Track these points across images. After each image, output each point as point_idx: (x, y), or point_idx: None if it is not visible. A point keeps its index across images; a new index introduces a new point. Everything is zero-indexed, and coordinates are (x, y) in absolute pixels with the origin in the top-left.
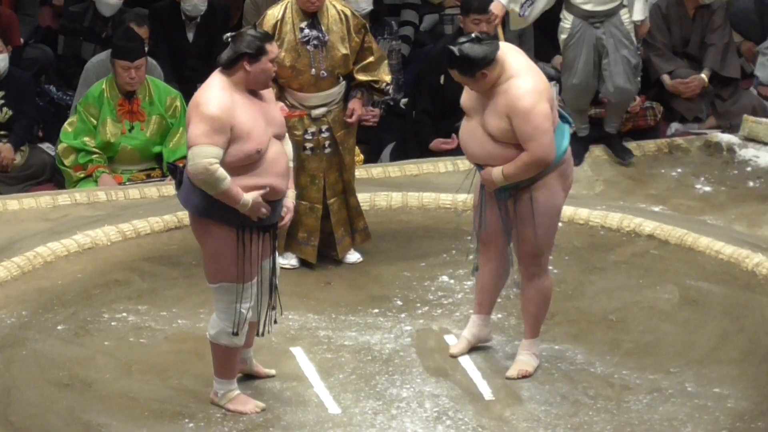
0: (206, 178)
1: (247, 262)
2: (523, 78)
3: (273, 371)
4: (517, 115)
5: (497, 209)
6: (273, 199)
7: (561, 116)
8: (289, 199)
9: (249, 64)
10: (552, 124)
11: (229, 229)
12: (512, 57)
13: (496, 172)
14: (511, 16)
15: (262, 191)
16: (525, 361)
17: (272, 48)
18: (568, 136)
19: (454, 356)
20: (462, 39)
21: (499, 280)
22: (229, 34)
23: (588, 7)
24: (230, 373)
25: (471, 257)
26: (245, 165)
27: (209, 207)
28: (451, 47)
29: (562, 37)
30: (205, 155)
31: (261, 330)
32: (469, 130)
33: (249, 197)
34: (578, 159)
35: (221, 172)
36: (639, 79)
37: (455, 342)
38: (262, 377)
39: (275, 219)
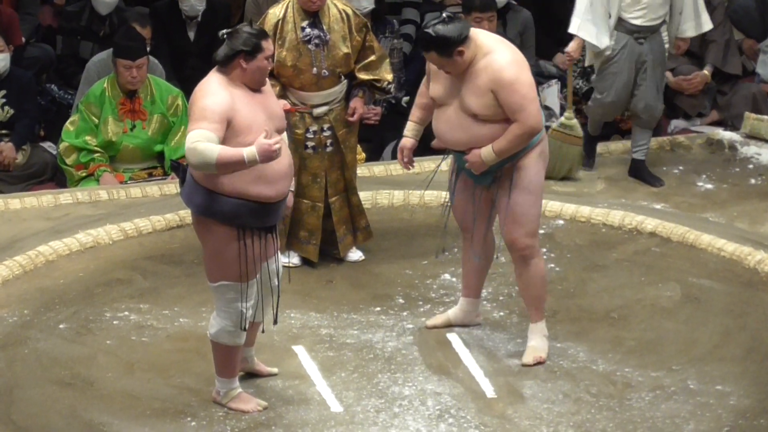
0: (194, 156)
1: (248, 262)
2: (500, 52)
3: (275, 370)
4: (503, 86)
5: (470, 196)
6: (276, 200)
7: None
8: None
9: (245, 61)
10: (536, 94)
11: (230, 228)
12: (483, 35)
13: (486, 151)
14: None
15: (260, 139)
16: (538, 346)
17: (268, 45)
18: (543, 116)
19: (428, 327)
20: (431, 20)
21: (482, 265)
22: (224, 31)
23: (638, 21)
24: (231, 372)
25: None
26: (254, 167)
27: (211, 206)
28: (426, 30)
29: (606, 53)
30: (191, 138)
31: (263, 328)
32: (445, 118)
33: (249, 149)
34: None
35: (205, 144)
36: None
37: (454, 340)
38: (264, 376)
39: (277, 220)
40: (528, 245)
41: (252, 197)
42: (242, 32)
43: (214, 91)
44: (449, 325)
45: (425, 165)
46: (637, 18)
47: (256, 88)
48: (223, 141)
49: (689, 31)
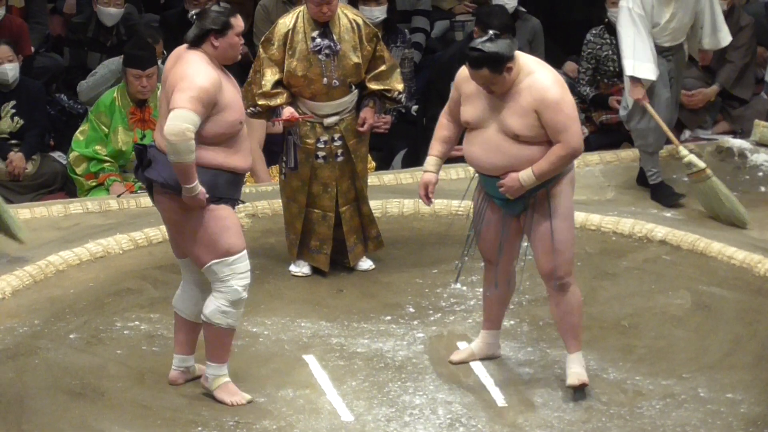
0: (180, 141)
1: (230, 234)
2: (542, 72)
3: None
4: (548, 106)
5: (500, 226)
6: (246, 171)
7: None
8: None
9: (216, 39)
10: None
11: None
12: (524, 55)
13: (525, 174)
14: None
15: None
16: (580, 372)
17: (237, 22)
18: None
19: (452, 363)
20: (479, 39)
21: (505, 297)
22: (193, 12)
23: (667, 44)
24: (222, 356)
25: (457, 263)
26: (225, 138)
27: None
28: (477, 47)
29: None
30: (186, 119)
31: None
32: (482, 141)
33: (200, 186)
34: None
35: (194, 143)
36: None
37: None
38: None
39: (240, 194)
40: (566, 273)
41: (230, 168)
42: (210, 12)
43: (205, 70)
44: (473, 359)
45: None
46: (665, 42)
47: (228, 64)
48: (206, 120)
49: (707, 45)
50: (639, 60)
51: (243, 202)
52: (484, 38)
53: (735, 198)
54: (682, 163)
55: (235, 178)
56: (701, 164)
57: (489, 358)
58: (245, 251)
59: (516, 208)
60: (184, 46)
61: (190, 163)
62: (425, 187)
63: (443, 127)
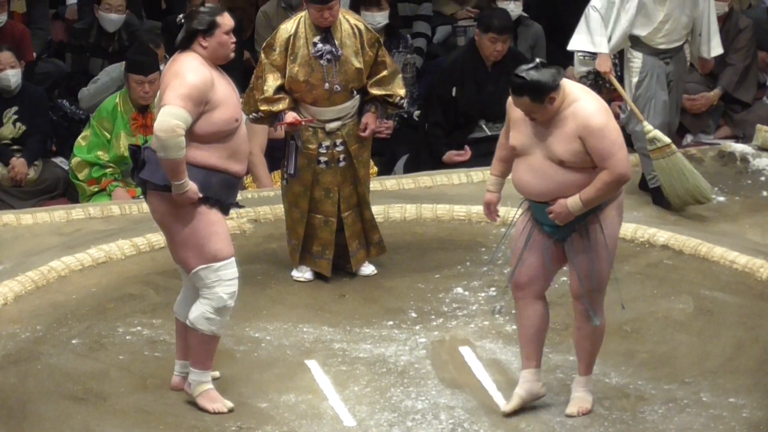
0: (169, 138)
1: (218, 240)
2: (586, 99)
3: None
4: (592, 133)
5: (543, 252)
6: (241, 176)
7: None
8: None
9: (204, 39)
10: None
11: (198, 203)
12: (568, 82)
13: (572, 201)
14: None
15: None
16: (583, 397)
17: (224, 20)
18: None
19: (507, 414)
20: (525, 66)
21: (542, 327)
22: (181, 16)
23: (663, 46)
24: (205, 363)
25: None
26: (220, 137)
27: None
28: (521, 74)
29: (634, 80)
30: (176, 116)
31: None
32: (527, 167)
33: (191, 183)
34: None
35: (183, 140)
36: None
37: (467, 353)
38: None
39: (235, 199)
40: (597, 301)
41: (224, 169)
42: (197, 13)
43: (197, 68)
44: (524, 403)
45: (437, 179)
46: (661, 43)
47: (221, 63)
48: (198, 115)
49: (704, 53)
50: (579, 34)
51: (240, 207)
52: (530, 66)
53: (699, 174)
54: (645, 138)
55: (229, 180)
56: (666, 139)
57: (535, 398)
58: (233, 258)
59: (565, 232)
60: (183, 53)
61: (179, 159)
62: (488, 207)
63: (502, 147)
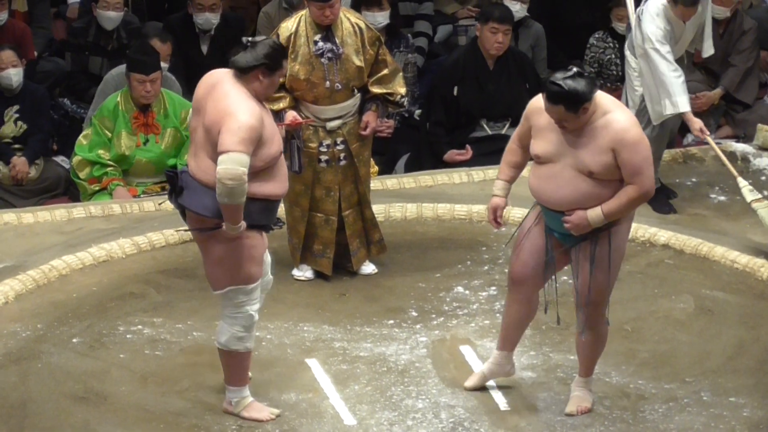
0: (237, 185)
1: (254, 263)
2: (619, 112)
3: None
4: (626, 147)
5: (542, 256)
6: (281, 197)
7: None
8: None
9: (263, 75)
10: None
11: None
12: (600, 93)
13: (594, 213)
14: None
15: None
16: (582, 396)
17: (286, 65)
18: None
19: (468, 389)
20: (561, 74)
21: (525, 320)
22: (248, 39)
23: (675, 57)
24: (242, 380)
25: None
26: (267, 168)
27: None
28: (558, 82)
29: (639, 92)
30: (242, 163)
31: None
32: (552, 175)
33: (244, 223)
34: (666, 207)
35: (247, 185)
36: None
37: (468, 353)
38: None
39: (274, 220)
40: (601, 311)
41: (264, 196)
42: (268, 45)
43: (252, 107)
44: (485, 381)
45: (438, 178)
46: (676, 54)
47: (260, 101)
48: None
49: (699, 49)
50: (678, 95)
51: (281, 225)
52: (567, 74)
53: None
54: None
55: (270, 205)
56: (758, 194)
57: (503, 377)
58: (260, 280)
59: (576, 240)
60: (221, 70)
61: (241, 204)
62: (494, 212)
63: (512, 153)
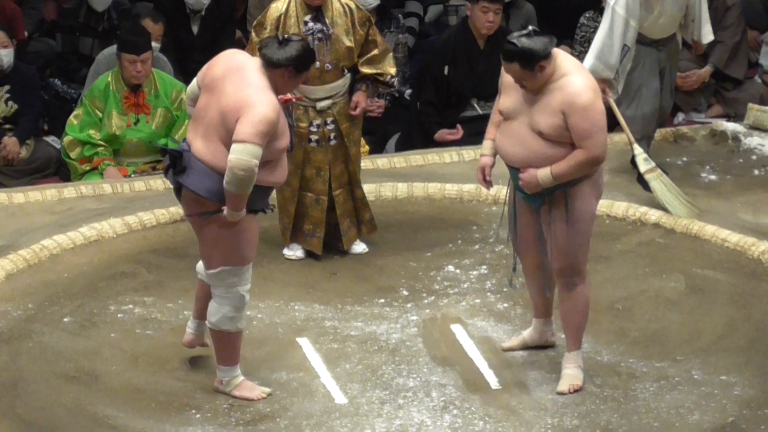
0: (247, 177)
1: (249, 246)
2: (577, 75)
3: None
4: (576, 111)
5: (531, 219)
6: (280, 185)
7: None
8: None
9: (289, 73)
10: (606, 123)
11: None
12: (563, 55)
13: (543, 173)
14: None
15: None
16: (573, 374)
17: (312, 68)
18: None
19: (504, 350)
20: (518, 33)
21: (545, 289)
22: (283, 36)
23: (658, 36)
24: (234, 359)
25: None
26: (275, 159)
27: (222, 191)
28: (512, 40)
29: (627, 66)
30: (256, 155)
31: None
32: (510, 132)
33: (245, 210)
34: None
35: (256, 176)
36: None
37: (459, 331)
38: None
39: (267, 203)
40: (573, 274)
41: (267, 183)
42: (301, 46)
43: (272, 100)
44: (525, 347)
45: (429, 158)
46: (656, 34)
47: (278, 94)
48: None
49: (696, 37)
50: (599, 60)
51: (271, 209)
52: (522, 32)
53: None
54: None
55: (268, 190)
56: (652, 162)
57: (541, 346)
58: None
59: (536, 201)
60: (244, 54)
61: (247, 194)
62: (482, 171)
63: (496, 112)
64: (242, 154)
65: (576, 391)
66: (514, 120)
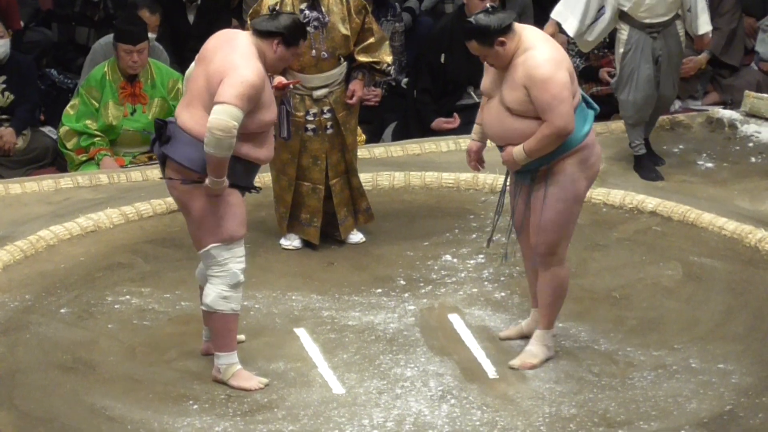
0: (225, 137)
1: (235, 220)
2: (539, 48)
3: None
4: (535, 84)
5: (526, 198)
6: (265, 163)
7: (586, 102)
8: None
9: (278, 45)
10: (570, 94)
11: None
12: (529, 30)
13: (518, 149)
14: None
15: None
16: (531, 352)
17: (303, 46)
18: (591, 121)
19: (502, 339)
20: (479, 12)
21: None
22: (274, 9)
23: (647, 20)
24: (231, 344)
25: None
26: (260, 134)
27: (204, 161)
28: (470, 19)
29: (620, 50)
30: (235, 117)
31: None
32: (488, 110)
33: (227, 185)
34: (653, 174)
35: (235, 140)
36: None
37: (456, 321)
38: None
39: (253, 182)
40: (549, 253)
41: (252, 158)
42: (291, 18)
43: (257, 67)
44: (523, 337)
45: (426, 146)
46: (644, 17)
47: (268, 72)
48: (245, 114)
49: (694, 29)
50: (568, 9)
51: (258, 190)
52: (482, 11)
53: None
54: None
55: (253, 167)
56: None
57: None
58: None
59: (525, 178)
60: (238, 30)
61: (226, 158)
62: (468, 155)
63: (485, 96)
64: (221, 114)
65: (527, 368)
66: (492, 98)
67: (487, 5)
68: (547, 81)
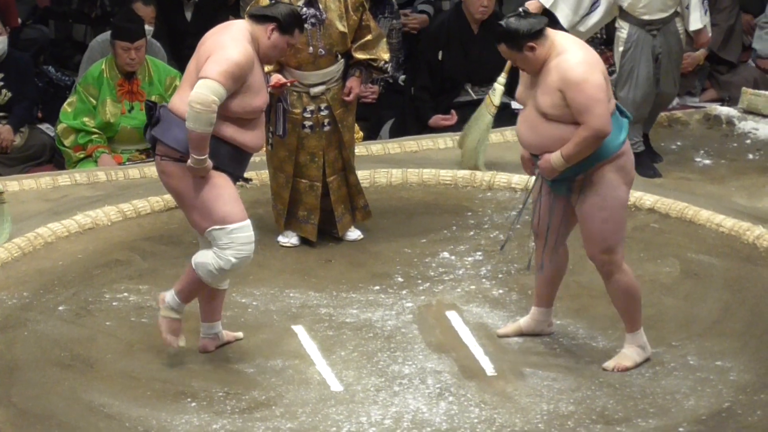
0: (204, 111)
1: (224, 202)
2: (572, 52)
3: (240, 334)
4: (570, 86)
5: (552, 204)
6: (253, 152)
7: (619, 110)
8: None
9: (272, 31)
10: (606, 97)
11: None
12: (560, 35)
13: (555, 156)
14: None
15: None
16: (625, 354)
17: (298, 35)
18: (627, 129)
19: (500, 336)
20: (509, 15)
21: (553, 276)
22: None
23: (646, 16)
24: (186, 297)
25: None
26: (245, 118)
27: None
28: (501, 21)
29: (620, 49)
30: (216, 92)
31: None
32: (523, 118)
33: (209, 161)
34: (651, 171)
35: (215, 116)
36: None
37: (454, 318)
38: (231, 342)
39: (243, 173)
40: (604, 262)
41: (238, 143)
42: (288, 7)
43: (245, 47)
44: (520, 335)
45: (423, 143)
46: (643, 14)
47: (262, 60)
48: (231, 96)
49: (689, 26)
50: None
51: (249, 182)
52: (513, 15)
53: (485, 146)
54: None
55: (240, 153)
56: (497, 101)
57: (537, 334)
58: (248, 222)
59: (561, 188)
60: (236, 20)
61: (206, 133)
62: (523, 162)
63: None
64: (202, 88)
65: (621, 370)
66: (526, 107)
67: (521, 10)
68: (582, 82)
